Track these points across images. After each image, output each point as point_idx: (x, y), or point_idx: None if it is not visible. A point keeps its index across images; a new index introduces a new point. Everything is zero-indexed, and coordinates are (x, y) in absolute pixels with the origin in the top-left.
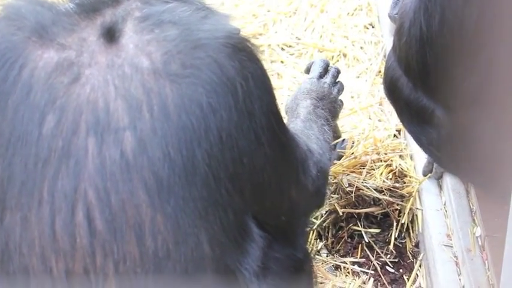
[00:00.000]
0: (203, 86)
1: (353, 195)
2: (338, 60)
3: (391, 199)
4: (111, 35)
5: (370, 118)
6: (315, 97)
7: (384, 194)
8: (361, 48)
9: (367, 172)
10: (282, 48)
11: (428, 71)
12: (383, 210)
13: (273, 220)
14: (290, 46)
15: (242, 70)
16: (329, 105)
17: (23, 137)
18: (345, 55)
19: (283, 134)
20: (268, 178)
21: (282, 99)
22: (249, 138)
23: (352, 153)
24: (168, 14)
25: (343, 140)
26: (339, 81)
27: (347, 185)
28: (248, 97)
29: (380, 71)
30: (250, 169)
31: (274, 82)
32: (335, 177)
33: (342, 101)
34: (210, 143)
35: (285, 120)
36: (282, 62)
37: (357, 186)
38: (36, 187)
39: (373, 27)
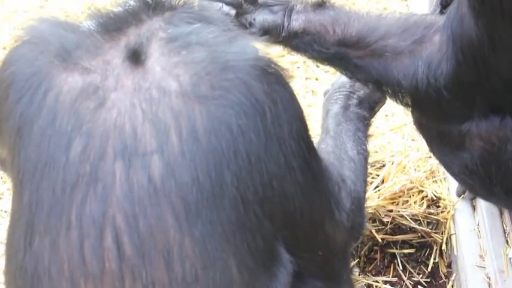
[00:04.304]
0: (232, 107)
1: (390, 226)
2: None
3: (427, 229)
4: (136, 57)
5: (403, 138)
6: (345, 93)
7: (420, 223)
8: None
9: (403, 201)
10: (317, 65)
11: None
12: (420, 240)
13: (308, 254)
14: None
15: (271, 93)
16: (365, 96)
17: (50, 163)
18: None
19: (315, 162)
20: (300, 207)
21: (317, 116)
22: (278, 163)
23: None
24: (194, 35)
25: None
26: None
27: (383, 216)
28: (277, 120)
29: None
30: (280, 194)
31: (309, 99)
32: (372, 209)
33: None
34: (239, 165)
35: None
36: (316, 79)
37: (393, 217)
38: (65, 212)
39: None
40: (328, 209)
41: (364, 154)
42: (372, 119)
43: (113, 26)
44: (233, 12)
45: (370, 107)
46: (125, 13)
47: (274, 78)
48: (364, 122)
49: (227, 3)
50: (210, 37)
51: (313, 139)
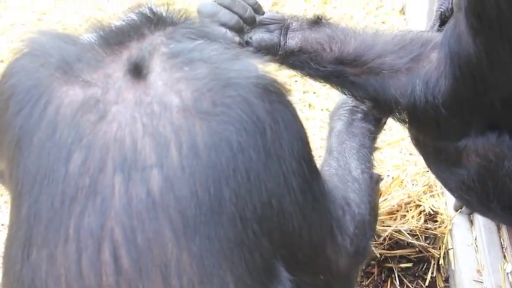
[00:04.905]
0: (233, 124)
1: (388, 242)
2: None
3: (424, 244)
4: (138, 71)
5: (400, 152)
6: (348, 109)
7: (418, 238)
8: None
9: (400, 216)
10: None
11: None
12: (418, 255)
13: (309, 278)
14: None
15: (273, 112)
16: (372, 114)
17: (50, 175)
18: None
19: (316, 183)
20: (299, 227)
21: (315, 130)
22: (277, 182)
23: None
24: (197, 52)
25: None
26: None
27: (381, 231)
28: (277, 139)
29: None
30: (278, 214)
31: (307, 113)
32: None
33: None
34: (238, 182)
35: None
36: (314, 92)
37: (391, 232)
38: (63, 224)
39: None
40: (329, 232)
41: (369, 172)
42: (379, 131)
43: (114, 39)
44: (237, 39)
45: (376, 118)
46: (126, 27)
47: (276, 97)
48: (370, 136)
49: (230, 29)
50: (213, 54)
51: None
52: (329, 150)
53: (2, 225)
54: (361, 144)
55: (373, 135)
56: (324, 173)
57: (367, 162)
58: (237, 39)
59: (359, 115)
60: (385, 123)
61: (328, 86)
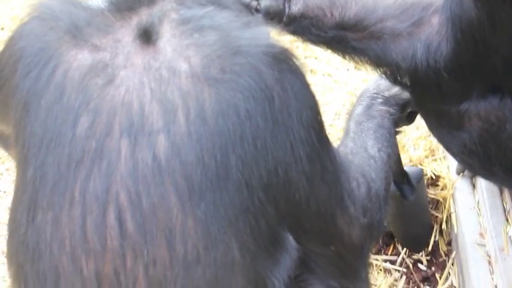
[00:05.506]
0: (241, 91)
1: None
2: None
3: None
4: (147, 36)
5: None
6: (369, 96)
7: None
8: None
9: None
10: None
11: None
12: None
13: (319, 248)
14: None
15: (281, 80)
16: (390, 95)
17: (56, 138)
18: None
19: (326, 153)
20: (305, 197)
21: (317, 95)
22: (284, 150)
23: None
24: (207, 19)
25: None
26: None
27: None
28: (286, 108)
29: None
30: (285, 182)
31: (308, 78)
32: None
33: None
34: (244, 149)
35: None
36: (315, 58)
37: None
38: (68, 187)
39: None
40: (339, 202)
41: (387, 151)
42: (404, 120)
43: (124, 5)
44: (254, 3)
45: (397, 103)
46: None
47: (285, 66)
48: (390, 118)
49: None
50: (223, 22)
51: None
52: (346, 131)
53: (4, 192)
54: (379, 125)
55: (393, 117)
56: (339, 153)
57: (385, 142)
58: (254, 3)
59: (379, 100)
60: (414, 113)
61: (330, 51)
